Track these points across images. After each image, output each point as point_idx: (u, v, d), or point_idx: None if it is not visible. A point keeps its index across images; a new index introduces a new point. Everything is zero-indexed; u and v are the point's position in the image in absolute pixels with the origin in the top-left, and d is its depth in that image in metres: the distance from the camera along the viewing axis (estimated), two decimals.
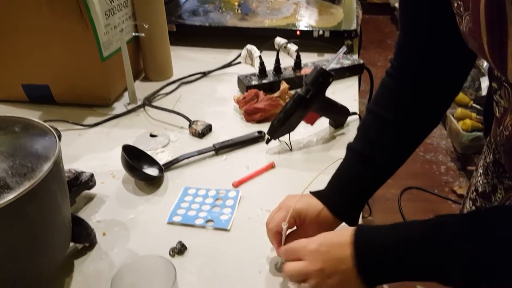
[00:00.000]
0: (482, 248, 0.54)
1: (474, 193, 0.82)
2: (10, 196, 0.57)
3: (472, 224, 0.56)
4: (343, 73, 1.37)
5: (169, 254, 0.79)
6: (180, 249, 0.80)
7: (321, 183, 0.79)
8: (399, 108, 0.75)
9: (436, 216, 0.60)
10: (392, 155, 0.76)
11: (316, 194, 0.78)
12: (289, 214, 0.72)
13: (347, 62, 1.39)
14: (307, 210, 0.75)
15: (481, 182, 0.81)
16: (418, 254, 0.57)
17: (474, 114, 2.51)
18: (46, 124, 0.72)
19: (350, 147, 0.80)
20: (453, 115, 2.60)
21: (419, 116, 0.75)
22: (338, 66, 1.36)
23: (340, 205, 0.76)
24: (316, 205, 0.76)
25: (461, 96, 2.62)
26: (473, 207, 0.84)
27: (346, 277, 0.61)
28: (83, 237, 0.79)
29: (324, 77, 1.02)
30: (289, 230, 0.75)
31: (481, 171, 0.82)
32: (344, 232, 0.63)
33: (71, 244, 0.79)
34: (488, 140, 0.80)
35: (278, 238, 0.74)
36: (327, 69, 1.03)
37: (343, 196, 0.77)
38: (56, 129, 0.72)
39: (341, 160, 0.81)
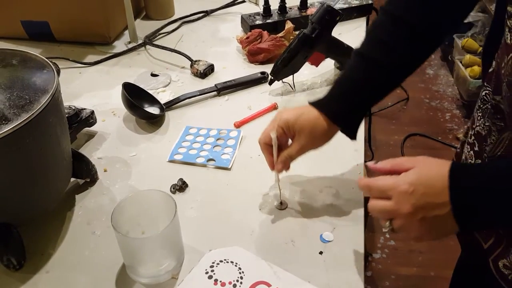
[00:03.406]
0: None
1: (473, 137, 0.81)
2: (8, 127, 0.57)
3: None
4: (350, 13, 1.32)
5: (170, 190, 0.80)
6: (181, 186, 0.80)
7: None
8: (418, 8, 0.69)
9: None
10: (401, 60, 0.72)
11: (313, 102, 0.74)
12: (276, 123, 0.71)
13: (355, 2, 1.34)
14: (296, 118, 0.71)
15: (479, 125, 0.80)
16: None
17: None
18: (44, 58, 0.70)
19: (356, 52, 0.74)
20: (461, 62, 2.55)
21: (438, 17, 0.69)
22: (346, 5, 1.32)
23: (338, 108, 0.72)
24: (310, 113, 0.72)
25: (470, 42, 2.56)
26: (471, 152, 0.83)
27: (437, 219, 0.55)
28: (84, 172, 0.79)
29: (331, 15, 0.99)
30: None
31: (480, 114, 0.80)
32: (438, 169, 0.56)
33: (73, 179, 0.80)
34: (488, 79, 0.77)
35: (270, 150, 0.73)
36: (334, 7, 0.99)
37: (343, 99, 0.73)
38: (54, 63, 0.70)
39: None
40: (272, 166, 0.74)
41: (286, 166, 0.75)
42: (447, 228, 0.56)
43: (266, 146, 0.73)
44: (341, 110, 0.72)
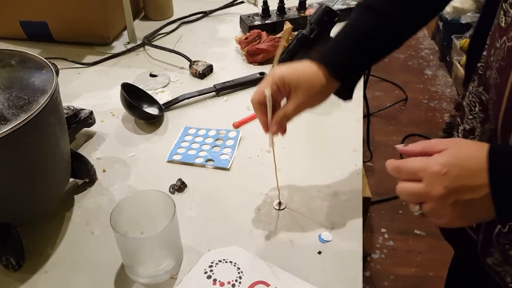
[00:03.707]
0: None
1: (462, 131, 0.82)
2: (7, 128, 0.57)
3: None
4: (349, 14, 1.31)
5: (169, 191, 0.80)
6: (180, 186, 0.80)
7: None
8: None
9: None
10: (406, 15, 0.69)
11: (312, 57, 0.70)
12: (270, 79, 0.66)
13: (353, 3, 1.34)
14: (292, 73, 0.67)
15: (466, 121, 0.81)
16: None
17: None
18: (43, 58, 0.70)
19: (361, 5, 0.71)
20: (459, 62, 2.55)
21: None
22: (344, 6, 1.32)
23: (340, 61, 0.68)
24: (307, 67, 0.68)
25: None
26: None
27: (471, 204, 0.51)
28: (83, 172, 0.79)
29: (329, 16, 0.99)
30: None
31: (467, 109, 0.81)
32: (475, 150, 0.52)
33: (72, 179, 0.80)
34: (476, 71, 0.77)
35: (263, 110, 0.68)
36: (333, 8, 0.99)
37: (346, 52, 0.69)
38: (53, 64, 0.70)
39: None
40: (266, 128, 0.69)
41: (281, 128, 0.69)
42: (481, 214, 0.52)
43: (260, 105, 0.68)
44: (343, 63, 0.68)
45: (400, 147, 0.58)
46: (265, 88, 0.66)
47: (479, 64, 0.74)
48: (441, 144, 0.54)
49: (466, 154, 0.52)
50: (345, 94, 0.72)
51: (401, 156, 0.59)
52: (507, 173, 0.50)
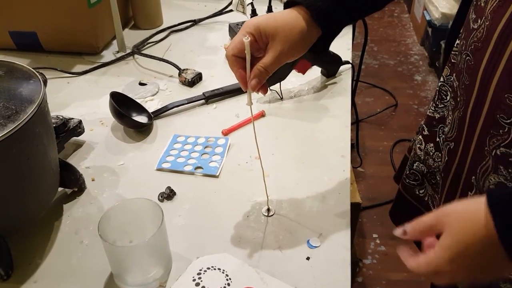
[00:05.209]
0: None
1: (423, 125, 0.83)
2: None
3: None
4: None
5: (158, 199, 0.80)
6: (169, 194, 0.80)
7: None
8: None
9: None
10: None
11: (292, 1, 0.65)
12: (245, 30, 0.61)
13: None
14: (267, 21, 0.62)
15: (429, 108, 0.83)
16: None
17: None
18: (30, 68, 0.71)
19: None
20: None
21: None
22: None
23: (325, 5, 0.62)
24: (285, 14, 0.63)
25: None
26: (420, 137, 0.86)
27: (486, 258, 0.48)
28: (72, 182, 0.79)
29: None
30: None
31: (437, 97, 0.82)
32: (474, 229, 0.48)
33: (60, 189, 0.80)
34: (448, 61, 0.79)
35: (240, 63, 0.62)
36: None
37: None
38: (41, 73, 0.71)
39: None
40: (245, 83, 0.64)
41: (261, 82, 0.64)
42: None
43: (235, 58, 0.62)
44: (326, 8, 0.63)
45: (398, 233, 0.54)
46: (242, 38, 0.59)
47: (452, 54, 0.75)
48: (436, 223, 0.51)
49: (468, 238, 0.48)
50: (321, 45, 0.67)
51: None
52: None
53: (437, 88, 0.81)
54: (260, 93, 0.68)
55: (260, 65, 0.62)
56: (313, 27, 0.63)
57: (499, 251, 0.46)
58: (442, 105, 0.79)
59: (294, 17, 0.62)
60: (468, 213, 0.49)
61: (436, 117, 0.80)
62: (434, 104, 0.82)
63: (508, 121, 0.58)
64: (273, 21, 0.62)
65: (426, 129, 0.85)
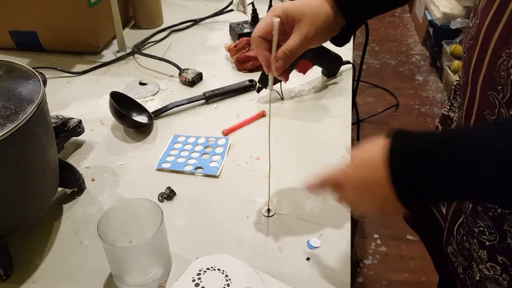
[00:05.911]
0: None
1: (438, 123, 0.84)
2: None
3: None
4: None
5: (158, 199, 0.80)
6: (169, 195, 0.80)
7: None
8: None
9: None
10: None
11: None
12: (272, 13, 0.62)
13: None
14: (295, 5, 0.63)
15: (445, 106, 0.83)
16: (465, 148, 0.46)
17: None
18: (30, 68, 0.70)
19: None
20: (449, 68, 2.57)
21: None
22: None
23: None
24: (312, 0, 0.65)
25: (459, 48, 2.59)
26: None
27: (373, 186, 0.52)
28: (71, 182, 0.79)
29: None
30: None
31: (452, 96, 0.83)
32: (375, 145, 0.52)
33: (60, 189, 0.80)
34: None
35: (265, 45, 0.63)
36: None
37: None
38: (40, 73, 0.71)
39: None
40: (269, 66, 0.63)
41: (285, 65, 0.64)
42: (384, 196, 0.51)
43: (261, 40, 0.62)
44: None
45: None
46: (269, 20, 0.60)
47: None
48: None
49: (367, 157, 0.54)
50: (343, 37, 0.69)
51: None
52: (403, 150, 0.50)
53: (453, 87, 0.81)
54: (281, 79, 0.68)
55: (285, 47, 0.63)
56: (338, 15, 0.65)
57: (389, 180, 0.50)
58: (456, 104, 0.79)
59: (320, 3, 0.64)
60: (368, 147, 0.55)
61: (451, 116, 0.80)
62: (449, 103, 0.82)
63: (493, 118, 0.58)
64: (300, 5, 0.63)
65: (440, 128, 0.85)
